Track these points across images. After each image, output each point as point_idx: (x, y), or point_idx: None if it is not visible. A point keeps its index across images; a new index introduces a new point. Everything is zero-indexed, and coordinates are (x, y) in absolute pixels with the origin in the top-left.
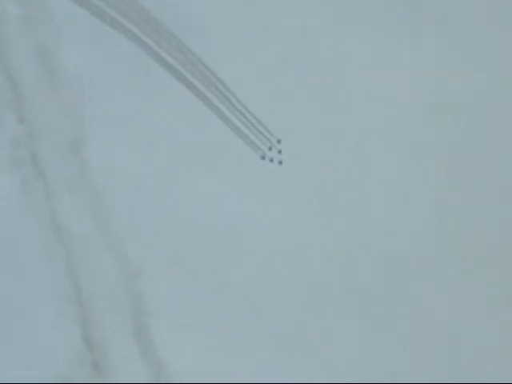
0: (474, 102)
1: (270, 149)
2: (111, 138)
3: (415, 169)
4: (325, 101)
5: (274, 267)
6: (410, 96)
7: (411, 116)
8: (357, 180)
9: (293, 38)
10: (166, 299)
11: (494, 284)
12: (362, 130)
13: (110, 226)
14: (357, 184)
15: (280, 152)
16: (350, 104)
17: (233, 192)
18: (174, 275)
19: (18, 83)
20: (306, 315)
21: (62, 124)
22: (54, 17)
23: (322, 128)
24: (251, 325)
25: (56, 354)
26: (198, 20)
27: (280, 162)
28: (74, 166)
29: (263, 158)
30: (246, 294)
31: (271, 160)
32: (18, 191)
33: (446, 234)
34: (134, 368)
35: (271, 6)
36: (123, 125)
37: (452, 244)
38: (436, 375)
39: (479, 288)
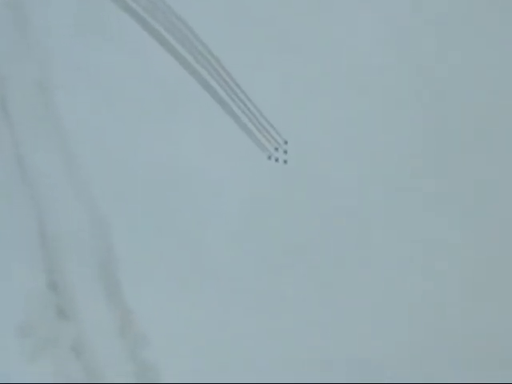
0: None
1: (276, 149)
2: (77, 86)
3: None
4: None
5: (230, 215)
6: None
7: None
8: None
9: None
10: (133, 245)
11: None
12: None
13: (77, 173)
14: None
15: (286, 152)
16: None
17: (196, 140)
18: (139, 221)
19: None
20: (258, 265)
21: (29, 68)
22: None
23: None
24: (209, 271)
25: (19, 300)
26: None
27: (285, 161)
28: (42, 111)
29: (269, 157)
30: (204, 241)
31: (276, 160)
32: None
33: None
34: (100, 314)
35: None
36: (89, 73)
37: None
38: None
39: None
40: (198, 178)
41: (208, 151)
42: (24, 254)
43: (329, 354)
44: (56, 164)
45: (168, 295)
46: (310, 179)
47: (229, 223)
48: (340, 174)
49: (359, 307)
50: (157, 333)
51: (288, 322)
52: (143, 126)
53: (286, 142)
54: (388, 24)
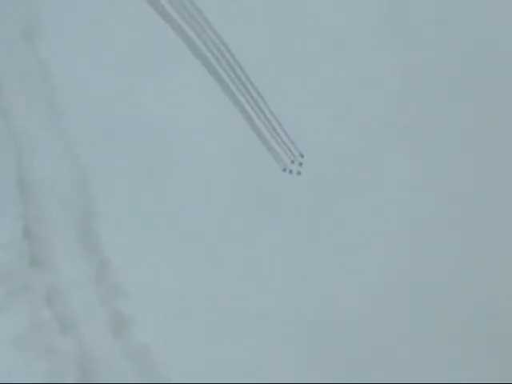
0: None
1: (292, 162)
2: (62, 35)
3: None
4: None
5: (207, 167)
6: None
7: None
8: None
9: None
10: (111, 196)
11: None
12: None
13: (59, 121)
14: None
15: (301, 164)
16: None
17: (177, 93)
18: (118, 172)
19: None
20: (234, 215)
21: (14, 17)
22: None
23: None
24: (186, 222)
25: None
26: None
27: (299, 173)
28: (26, 60)
29: (284, 170)
30: (181, 192)
31: (290, 171)
32: None
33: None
34: (75, 263)
35: None
36: (74, 23)
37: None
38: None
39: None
40: (177, 130)
41: (188, 104)
42: (1, 201)
43: (304, 303)
44: (39, 112)
45: (144, 246)
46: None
47: (206, 175)
48: (316, 121)
49: (334, 255)
50: (132, 283)
51: (262, 269)
52: (127, 77)
53: (302, 156)
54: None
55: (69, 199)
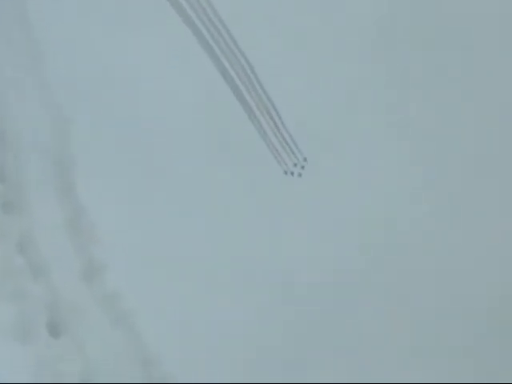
0: None
1: (295, 165)
2: None
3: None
4: None
5: (183, 118)
6: None
7: None
8: None
9: None
10: (89, 145)
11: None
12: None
13: (42, 74)
14: None
15: (303, 168)
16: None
17: (158, 48)
18: (98, 122)
19: None
20: (206, 165)
21: None
22: None
23: None
24: (160, 171)
25: None
26: None
27: (300, 175)
28: (11, 12)
29: (286, 173)
30: (156, 141)
31: (292, 173)
32: None
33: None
34: (50, 209)
35: None
36: None
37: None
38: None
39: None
40: (156, 82)
41: (168, 59)
42: None
43: (268, 255)
44: (21, 63)
45: (119, 194)
46: (267, 85)
47: (182, 125)
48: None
49: (304, 210)
50: (107, 230)
51: (232, 219)
52: (110, 30)
53: (305, 159)
54: None
55: (47, 148)
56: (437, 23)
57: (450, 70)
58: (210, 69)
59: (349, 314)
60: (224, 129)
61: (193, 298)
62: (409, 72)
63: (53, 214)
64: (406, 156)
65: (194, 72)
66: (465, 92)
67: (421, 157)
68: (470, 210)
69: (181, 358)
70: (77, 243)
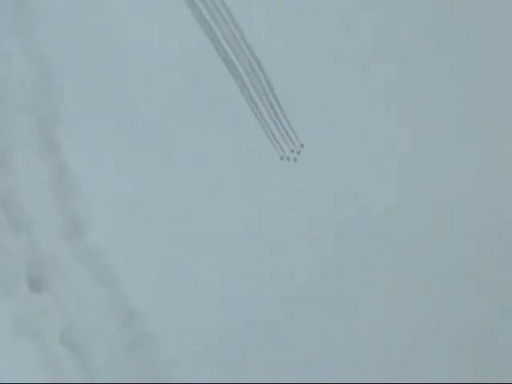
0: None
1: (292, 151)
2: None
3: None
4: None
5: (169, 88)
6: None
7: None
8: None
9: None
10: (76, 106)
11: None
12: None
13: (28, 34)
14: None
15: (299, 153)
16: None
17: (148, 16)
18: (85, 86)
19: None
20: (187, 132)
21: None
22: None
23: None
24: (143, 134)
25: None
26: None
27: (295, 160)
28: None
29: (282, 158)
30: (141, 107)
31: (288, 158)
32: None
33: None
34: (35, 169)
35: None
36: None
37: None
38: None
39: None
40: (143, 50)
41: (157, 21)
42: None
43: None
44: (6, 17)
45: (104, 153)
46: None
47: (168, 88)
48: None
49: (283, 173)
50: (89, 187)
51: (210, 179)
52: None
53: (302, 145)
54: None
55: (32, 107)
56: None
57: (441, 32)
58: (200, 34)
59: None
60: (210, 90)
61: (174, 255)
62: (397, 34)
63: (37, 171)
64: (394, 118)
65: (182, 36)
66: (453, 54)
67: (408, 120)
68: (460, 173)
69: (161, 315)
70: (60, 200)
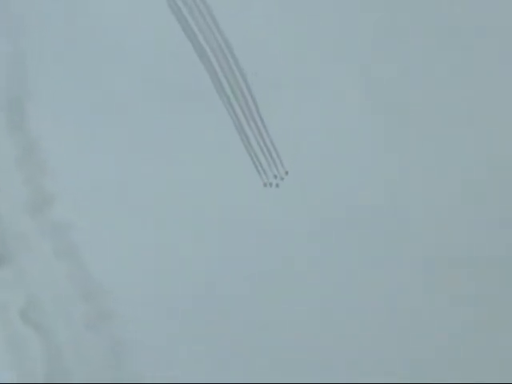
0: None
1: (275, 177)
2: None
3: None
4: None
5: (140, 57)
6: None
7: None
8: None
9: None
10: (45, 80)
11: None
12: None
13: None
14: None
15: (282, 179)
16: None
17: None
18: (55, 58)
19: None
20: (160, 103)
21: None
22: None
23: None
24: (115, 108)
25: None
26: None
27: (277, 185)
28: None
29: (265, 185)
30: (113, 80)
31: (270, 185)
32: None
33: None
34: (2, 143)
35: None
36: None
37: None
38: None
39: None
40: (117, 15)
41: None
42: None
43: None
44: None
45: (73, 128)
46: (220, 25)
47: (138, 63)
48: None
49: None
50: (57, 162)
51: (184, 161)
52: None
53: (286, 173)
54: None
55: (3, 81)
56: None
57: (419, 17)
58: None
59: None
60: (183, 73)
61: (141, 233)
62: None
63: (3, 145)
64: (368, 106)
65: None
66: (429, 38)
67: (383, 107)
68: (435, 156)
69: (126, 292)
70: (26, 174)
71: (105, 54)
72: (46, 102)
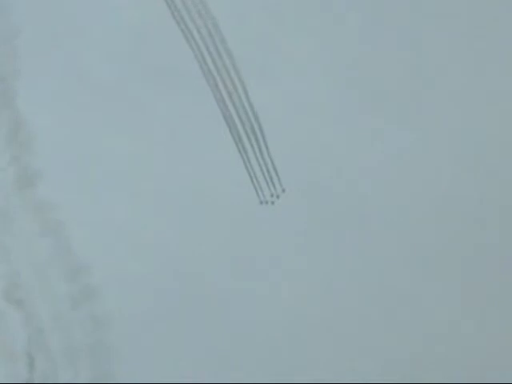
0: None
1: (271, 195)
2: None
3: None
4: None
5: (116, 38)
6: None
7: None
8: None
9: None
10: (31, 59)
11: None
12: None
13: None
14: None
15: (278, 197)
16: None
17: None
18: (41, 39)
19: None
20: (139, 85)
21: None
22: None
23: None
24: (96, 85)
25: None
26: None
27: (272, 203)
28: None
29: (261, 202)
30: (91, 59)
31: (266, 202)
32: None
33: None
34: None
35: None
36: None
37: None
38: None
39: None
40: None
41: None
42: None
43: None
44: None
45: (59, 107)
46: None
47: (115, 44)
48: None
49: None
50: (42, 141)
51: (156, 136)
52: None
53: (283, 190)
54: None
55: None
56: None
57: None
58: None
59: None
60: (152, 49)
61: (124, 210)
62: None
63: None
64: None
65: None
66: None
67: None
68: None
69: (109, 269)
70: (13, 152)
71: (85, 33)
72: (32, 82)
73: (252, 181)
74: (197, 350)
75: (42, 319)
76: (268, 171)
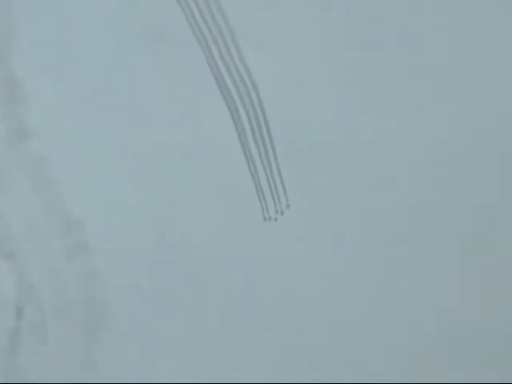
0: None
1: (276, 212)
2: None
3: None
4: None
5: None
6: None
7: None
8: None
9: None
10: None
11: None
12: None
13: None
14: None
15: (282, 213)
16: None
17: None
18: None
19: None
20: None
21: None
22: None
23: None
24: (84, 61)
25: None
26: None
27: (276, 219)
28: None
29: (265, 219)
30: (82, 34)
31: (270, 219)
32: None
33: None
34: None
35: None
36: None
37: None
38: None
39: None
40: None
41: None
42: None
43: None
44: None
45: (53, 69)
46: None
47: (105, 18)
48: None
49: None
50: (36, 100)
51: (149, 109)
52: None
53: (288, 206)
54: None
55: None
56: None
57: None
58: None
59: None
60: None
61: (118, 168)
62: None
63: None
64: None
65: None
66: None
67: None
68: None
69: (101, 224)
70: (6, 109)
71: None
72: (25, 43)
73: (245, 154)
74: (190, 308)
75: (33, 272)
76: (264, 145)
